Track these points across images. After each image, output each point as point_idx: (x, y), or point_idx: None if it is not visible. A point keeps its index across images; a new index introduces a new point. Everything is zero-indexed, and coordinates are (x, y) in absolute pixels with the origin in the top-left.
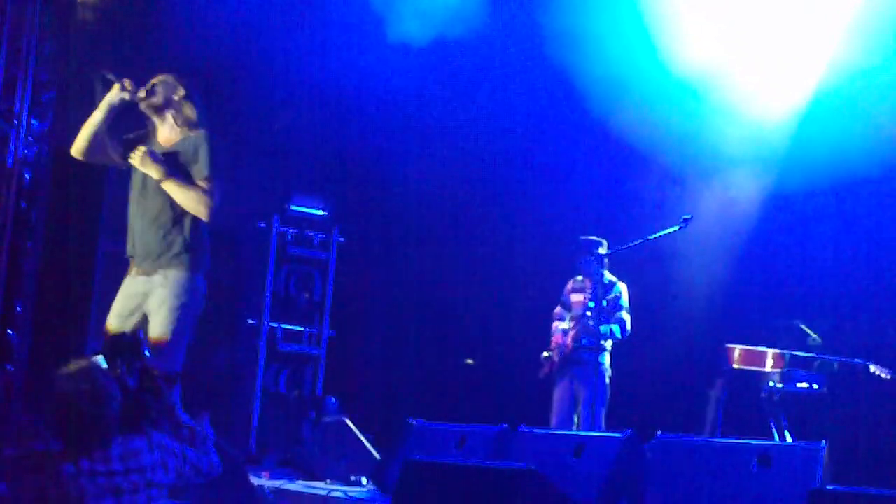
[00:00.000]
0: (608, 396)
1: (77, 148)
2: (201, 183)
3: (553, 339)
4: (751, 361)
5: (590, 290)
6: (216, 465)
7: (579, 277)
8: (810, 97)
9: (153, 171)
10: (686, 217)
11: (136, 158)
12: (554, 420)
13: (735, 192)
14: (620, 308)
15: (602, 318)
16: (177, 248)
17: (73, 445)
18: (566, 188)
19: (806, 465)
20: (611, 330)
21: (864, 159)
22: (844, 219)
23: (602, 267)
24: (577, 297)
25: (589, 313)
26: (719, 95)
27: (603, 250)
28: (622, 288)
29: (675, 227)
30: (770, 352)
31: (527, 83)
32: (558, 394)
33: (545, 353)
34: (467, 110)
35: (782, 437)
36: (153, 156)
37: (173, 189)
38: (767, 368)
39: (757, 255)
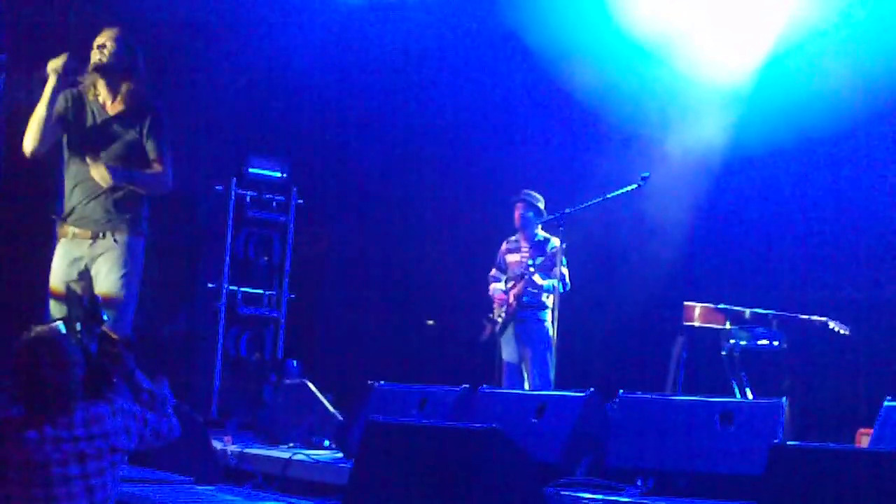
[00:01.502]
0: (553, 351)
1: (28, 147)
2: (154, 164)
3: (495, 299)
4: (711, 319)
5: (528, 248)
6: (175, 427)
7: (513, 238)
8: (767, 57)
9: (105, 181)
10: (644, 175)
11: (97, 173)
12: (504, 381)
13: (694, 151)
14: (558, 263)
15: (543, 275)
16: (127, 212)
17: (36, 412)
18: (524, 150)
19: (767, 421)
20: (553, 285)
21: (820, 118)
22: (802, 177)
23: (538, 222)
24: (513, 257)
25: (532, 269)
26: (676, 55)
27: (540, 205)
28: (556, 243)
29: (634, 186)
30: (729, 309)
31: (482, 46)
32: (506, 354)
33: (490, 316)
34: (423, 73)
35: (743, 395)
36: (114, 172)
37: (141, 182)
38: (727, 326)
39: (716, 213)
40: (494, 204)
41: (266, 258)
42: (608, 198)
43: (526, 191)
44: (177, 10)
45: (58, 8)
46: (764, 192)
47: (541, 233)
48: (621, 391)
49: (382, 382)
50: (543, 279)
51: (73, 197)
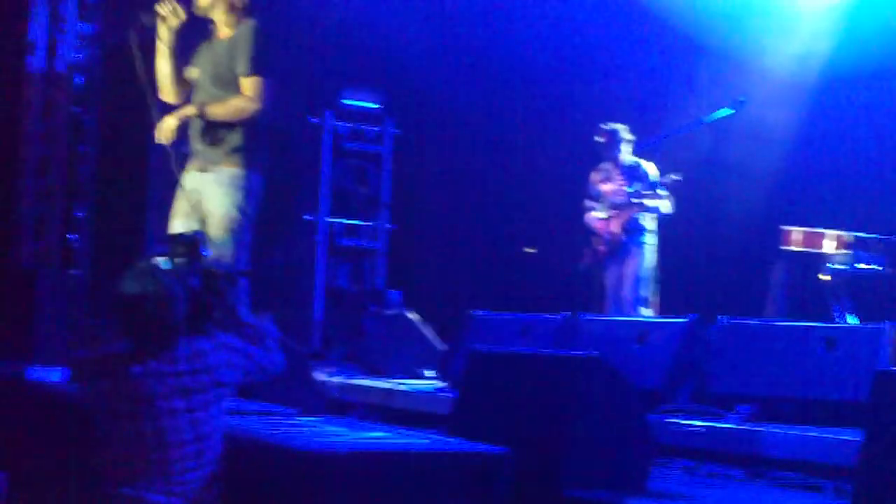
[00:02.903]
0: (653, 278)
1: (168, 98)
2: (242, 81)
3: (596, 228)
4: (810, 243)
5: (620, 175)
6: (280, 362)
7: (604, 166)
8: None
9: (190, 112)
10: (740, 99)
11: (163, 129)
12: (608, 309)
13: (790, 71)
14: (656, 186)
15: (642, 201)
16: (230, 144)
17: (140, 347)
18: (619, 76)
19: (871, 346)
20: (657, 207)
21: None
22: None
23: (621, 152)
24: (607, 186)
25: (634, 197)
26: None
27: (624, 134)
28: (650, 167)
29: (730, 111)
30: (830, 233)
31: None
32: (609, 282)
33: (590, 244)
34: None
35: (846, 320)
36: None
37: (216, 112)
38: (828, 250)
39: (814, 134)
40: (591, 130)
41: (364, 189)
42: (704, 122)
43: (603, 125)
44: None
45: None
46: (864, 113)
47: (630, 158)
48: (722, 316)
49: (483, 311)
50: (646, 206)
51: (192, 130)
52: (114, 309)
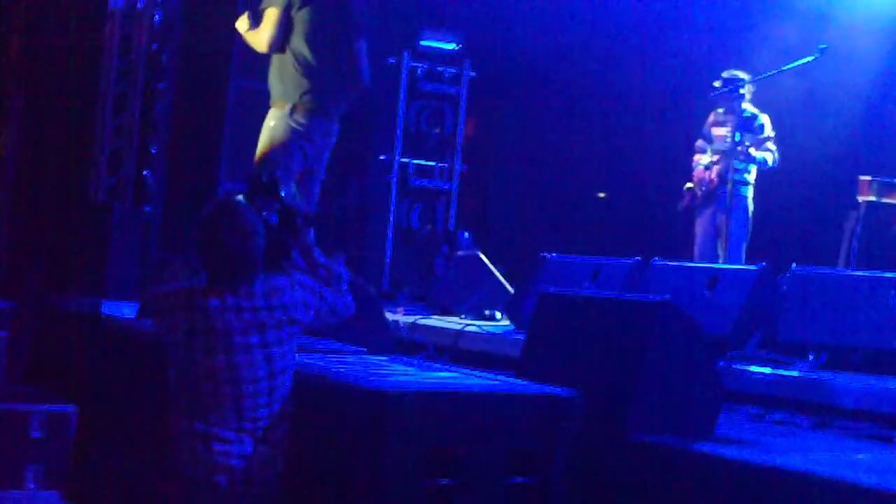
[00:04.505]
0: (750, 230)
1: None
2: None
3: (695, 173)
4: (886, 193)
5: (733, 123)
6: (350, 305)
7: (720, 110)
8: None
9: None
10: (822, 47)
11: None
12: (696, 253)
13: (874, 20)
14: (766, 139)
15: (748, 151)
16: (273, 89)
17: (218, 282)
18: (702, 21)
19: None
20: (761, 161)
21: None
22: None
23: (742, 100)
24: (718, 131)
25: (738, 146)
26: None
27: (745, 84)
28: (765, 119)
29: (811, 58)
30: None
31: None
32: (701, 227)
33: (688, 185)
34: None
35: None
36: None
37: (249, 38)
38: None
39: (894, 86)
40: (672, 75)
41: (438, 130)
42: (784, 69)
43: (726, 72)
44: None
45: None
46: None
47: (749, 108)
48: (794, 265)
49: (554, 254)
50: (748, 157)
51: None
52: (193, 243)
